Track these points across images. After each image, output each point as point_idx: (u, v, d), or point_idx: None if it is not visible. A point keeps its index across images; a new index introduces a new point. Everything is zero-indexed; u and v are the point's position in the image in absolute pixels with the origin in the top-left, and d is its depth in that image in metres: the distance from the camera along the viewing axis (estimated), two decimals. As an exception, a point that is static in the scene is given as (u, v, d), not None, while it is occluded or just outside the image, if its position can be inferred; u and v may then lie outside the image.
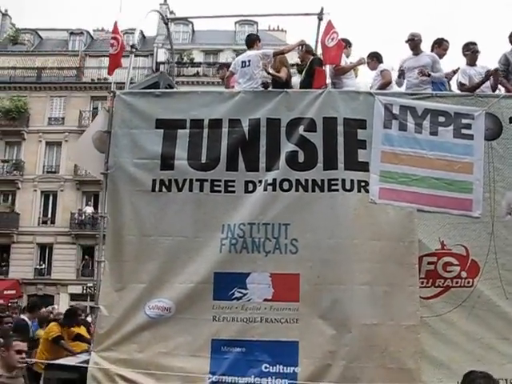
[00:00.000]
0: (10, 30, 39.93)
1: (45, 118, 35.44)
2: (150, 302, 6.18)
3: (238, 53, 38.05)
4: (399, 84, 7.16)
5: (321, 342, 5.97)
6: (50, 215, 34.92)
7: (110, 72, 7.18)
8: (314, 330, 6.01)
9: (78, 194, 35.04)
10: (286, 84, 6.85)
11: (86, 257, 34.66)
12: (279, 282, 6.13)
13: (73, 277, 34.13)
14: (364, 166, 6.32)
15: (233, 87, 7.08)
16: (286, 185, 6.28)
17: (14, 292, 32.33)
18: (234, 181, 6.35)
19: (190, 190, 6.35)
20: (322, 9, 7.65)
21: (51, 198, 35.01)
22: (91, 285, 33.84)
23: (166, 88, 7.18)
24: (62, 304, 31.43)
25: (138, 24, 7.44)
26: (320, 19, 7.86)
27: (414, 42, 6.88)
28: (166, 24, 8.60)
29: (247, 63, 6.77)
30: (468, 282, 6.11)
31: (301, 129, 6.39)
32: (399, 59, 7.18)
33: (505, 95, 6.63)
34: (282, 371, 5.91)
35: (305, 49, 7.55)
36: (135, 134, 6.56)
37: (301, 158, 6.34)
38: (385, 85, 6.91)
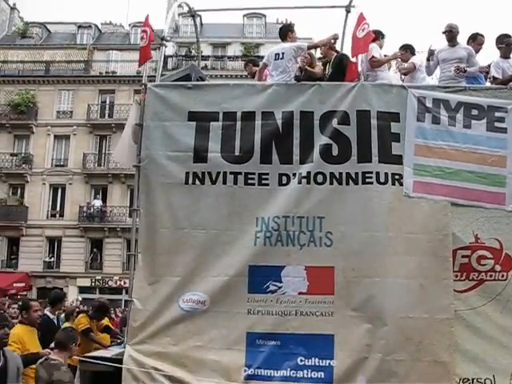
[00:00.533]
0: (19, 24, 39.92)
1: (53, 112, 35.48)
2: (184, 295, 6.18)
3: (245, 46, 38.04)
4: (428, 68, 7.12)
5: (356, 335, 5.98)
6: (58, 208, 35.07)
7: (140, 64, 7.19)
8: (350, 322, 6.01)
9: (87, 188, 35.17)
10: (319, 80, 6.80)
11: (95, 250, 34.87)
12: (314, 274, 6.13)
13: (81, 270, 34.33)
14: (398, 159, 6.30)
15: (265, 79, 7.05)
16: (320, 178, 6.27)
17: (23, 285, 32.53)
18: (267, 174, 6.34)
19: (224, 182, 6.34)
20: (351, 1, 7.60)
21: (60, 191, 35.14)
22: (99, 278, 34.09)
23: (197, 80, 7.14)
24: (71, 297, 31.59)
25: (168, 15, 7.22)
26: (348, 11, 7.81)
27: (452, 34, 6.88)
28: (193, 16, 8.53)
29: (281, 55, 6.72)
30: (502, 276, 6.10)
31: (334, 122, 6.37)
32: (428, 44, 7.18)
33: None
34: (317, 364, 5.92)
35: (328, 45, 7.46)
36: (167, 126, 6.55)
37: (334, 151, 6.33)
38: (404, 73, 6.96)
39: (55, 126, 35.23)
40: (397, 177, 6.26)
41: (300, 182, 6.27)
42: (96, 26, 39.71)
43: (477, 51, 7.05)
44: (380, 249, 6.12)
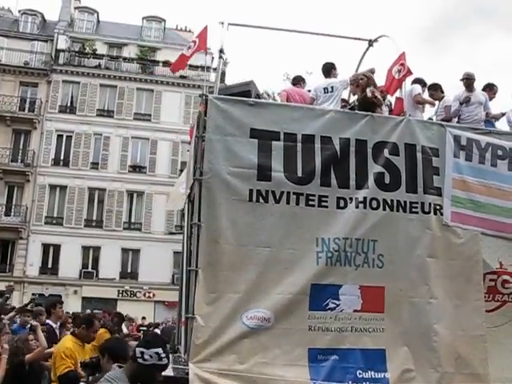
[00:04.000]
0: None
1: None
2: (247, 312, 6.21)
3: (141, 49, 37.19)
4: (457, 111, 7.85)
5: (404, 349, 6.49)
6: None
7: (174, 70, 7.21)
8: (398, 338, 6.51)
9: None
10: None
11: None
12: (367, 293, 6.53)
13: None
14: (438, 191, 6.97)
15: None
16: (374, 203, 6.71)
17: None
18: (327, 196, 6.62)
19: (287, 202, 6.51)
20: (378, 37, 8.19)
21: None
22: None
23: (256, 98, 7.20)
24: None
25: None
26: (370, 45, 8.41)
27: (469, 81, 7.78)
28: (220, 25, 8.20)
29: (330, 89, 7.29)
30: (521, 298, 7.02)
31: (386, 152, 6.87)
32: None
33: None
34: (374, 377, 6.31)
35: (355, 83, 7.83)
36: (229, 141, 6.54)
37: (386, 179, 6.81)
38: (446, 120, 7.63)
39: None
40: (438, 207, 6.92)
41: (357, 207, 6.66)
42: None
43: (491, 99, 8.01)
44: (423, 272, 6.71)
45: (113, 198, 34.89)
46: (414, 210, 6.82)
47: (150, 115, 35.96)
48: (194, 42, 7.13)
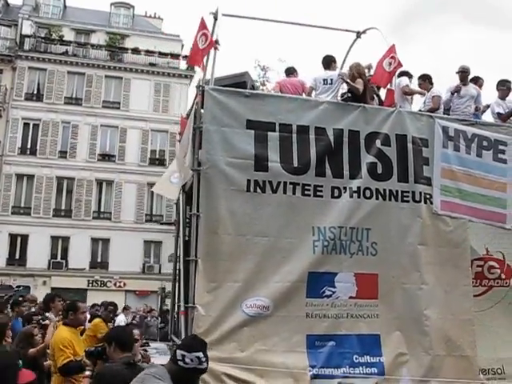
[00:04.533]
0: None
1: None
2: (247, 300, 6.32)
3: (110, 36, 36.51)
4: (448, 101, 8.07)
5: (398, 334, 6.70)
6: None
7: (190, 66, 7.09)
8: (392, 324, 6.72)
9: None
10: (362, 95, 7.30)
11: None
12: (362, 280, 6.72)
13: None
14: (428, 181, 7.17)
15: None
16: (367, 193, 6.88)
17: None
18: (322, 186, 6.76)
19: (284, 192, 6.62)
20: (367, 29, 8.31)
21: None
22: None
23: (251, 89, 7.23)
24: None
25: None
26: (358, 37, 8.53)
27: (464, 74, 7.99)
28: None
29: (329, 81, 7.34)
30: (506, 283, 7.33)
31: (378, 142, 7.03)
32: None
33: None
34: (370, 361, 6.51)
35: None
36: (226, 132, 6.60)
37: (379, 169, 6.98)
38: (433, 110, 7.80)
39: None
40: (428, 196, 7.13)
41: (351, 196, 6.81)
42: None
43: None
44: (415, 259, 6.92)
45: (82, 187, 34.28)
46: (405, 198, 7.01)
47: (118, 103, 35.37)
48: (205, 34, 6.88)
